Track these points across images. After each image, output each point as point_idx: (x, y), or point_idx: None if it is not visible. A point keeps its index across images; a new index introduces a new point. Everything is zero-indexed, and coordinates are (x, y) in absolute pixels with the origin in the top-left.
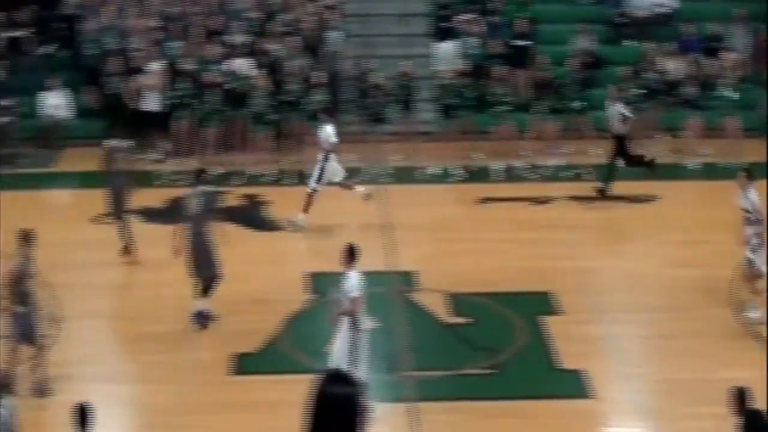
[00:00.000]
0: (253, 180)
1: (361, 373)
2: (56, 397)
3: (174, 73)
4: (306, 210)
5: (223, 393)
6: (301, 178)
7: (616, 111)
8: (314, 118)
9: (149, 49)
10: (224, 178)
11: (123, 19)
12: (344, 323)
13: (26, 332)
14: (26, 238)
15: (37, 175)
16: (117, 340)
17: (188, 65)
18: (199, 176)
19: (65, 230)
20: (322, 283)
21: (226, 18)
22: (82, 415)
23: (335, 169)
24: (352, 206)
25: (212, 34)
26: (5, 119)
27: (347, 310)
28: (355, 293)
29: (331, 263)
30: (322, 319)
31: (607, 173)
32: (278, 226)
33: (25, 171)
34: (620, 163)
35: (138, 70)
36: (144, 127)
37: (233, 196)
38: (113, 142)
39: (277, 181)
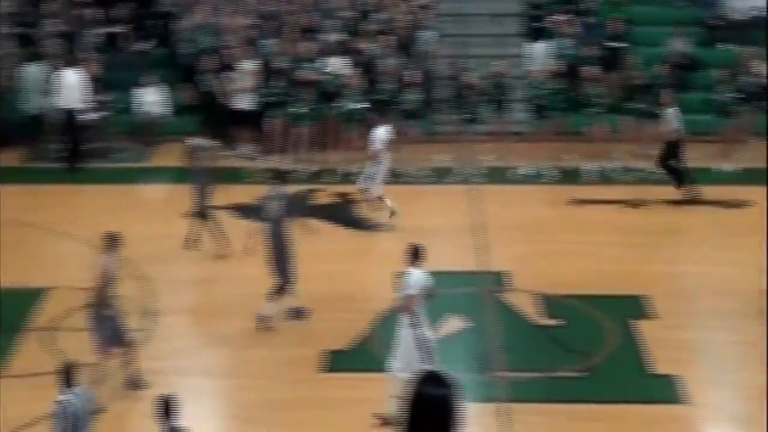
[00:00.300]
0: (346, 178)
1: (399, 370)
2: (151, 390)
3: (268, 71)
4: (387, 212)
5: (313, 390)
6: (395, 176)
7: (671, 116)
8: (409, 116)
9: (242, 48)
10: (317, 176)
11: (218, 18)
12: (405, 321)
13: (113, 335)
14: (112, 241)
15: (131, 170)
16: (209, 334)
17: (282, 63)
18: (279, 177)
19: (158, 225)
20: None
21: (321, 16)
22: (166, 406)
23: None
24: (445, 205)
25: (306, 33)
26: (101, 114)
27: (403, 308)
28: (412, 291)
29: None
30: None
31: (682, 177)
32: (370, 225)
33: (120, 165)
34: (677, 165)
35: (231, 69)
36: (237, 124)
37: (325, 194)
38: (196, 140)
39: None
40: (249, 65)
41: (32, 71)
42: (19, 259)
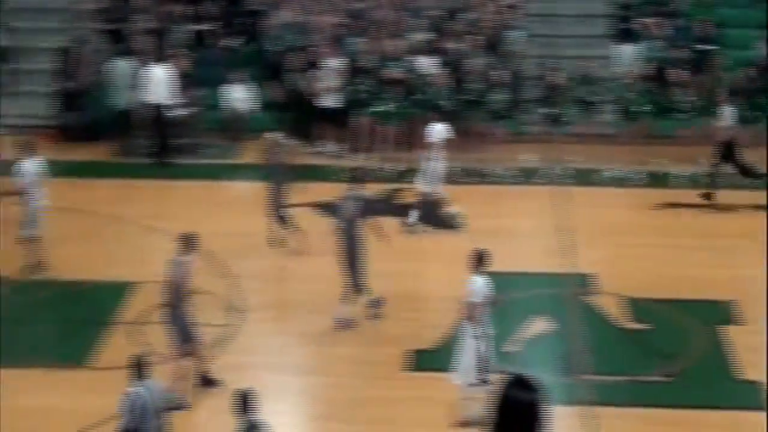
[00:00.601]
0: None
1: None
2: (228, 386)
3: (354, 69)
4: (445, 209)
5: (397, 389)
6: (481, 176)
7: (726, 115)
8: (497, 117)
9: (328, 46)
10: (403, 175)
11: (306, 16)
12: (468, 328)
13: (185, 333)
14: (188, 242)
15: (218, 166)
16: (293, 331)
17: (369, 62)
18: (355, 178)
19: (244, 221)
20: (501, 282)
21: (409, 15)
22: (244, 401)
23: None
24: (531, 206)
25: (394, 32)
26: (189, 110)
27: (468, 315)
28: (475, 299)
29: (508, 263)
30: (500, 318)
31: (713, 179)
32: (457, 224)
33: (208, 161)
34: (729, 169)
35: (317, 67)
36: (322, 122)
37: (411, 194)
38: (274, 136)
39: (456, 179)
40: (335, 63)
41: (121, 67)
42: (108, 253)
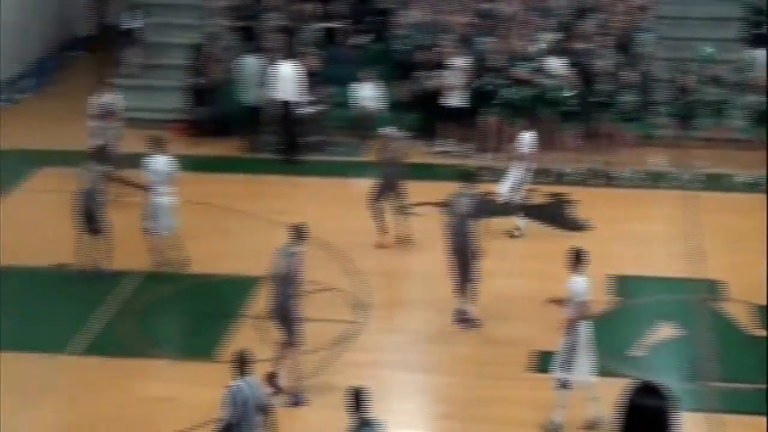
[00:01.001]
0: (560, 178)
1: (578, 376)
2: (359, 382)
3: (482, 69)
4: (511, 214)
5: (520, 389)
6: (609, 179)
7: None
8: (626, 119)
9: (454, 45)
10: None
11: (434, 15)
12: (576, 329)
13: (292, 326)
14: (299, 233)
15: (346, 164)
16: (417, 329)
17: (498, 62)
18: (468, 177)
19: (370, 219)
20: (627, 286)
21: (539, 15)
22: (357, 398)
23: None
24: (659, 210)
25: (523, 31)
26: (317, 108)
27: (575, 316)
28: (581, 298)
29: (636, 267)
30: (625, 322)
31: None
32: (583, 226)
33: (335, 159)
34: None
35: (443, 66)
36: (448, 121)
37: (539, 194)
38: (389, 132)
39: (583, 181)
40: (461, 63)
41: (250, 63)
42: (236, 248)
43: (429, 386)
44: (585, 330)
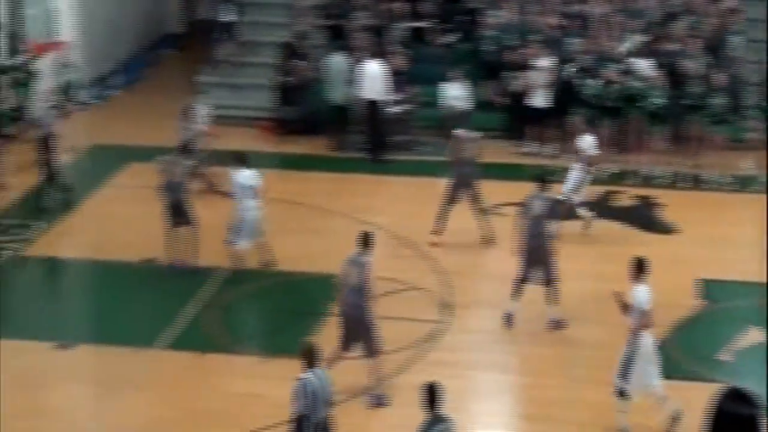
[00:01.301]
0: (647, 181)
1: (638, 386)
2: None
3: (575, 70)
4: (567, 218)
5: (599, 392)
6: (696, 182)
7: None
8: (715, 122)
9: (540, 45)
10: (618, 177)
11: (523, 15)
12: (639, 338)
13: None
14: (366, 241)
15: (432, 163)
16: (501, 329)
17: (586, 62)
18: (542, 179)
19: (456, 218)
20: (714, 290)
21: (627, 16)
22: (431, 394)
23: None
24: (748, 215)
25: (612, 32)
26: (404, 107)
27: (639, 325)
28: (643, 307)
29: (723, 271)
30: (713, 327)
31: None
32: (670, 229)
33: (422, 158)
34: None
35: (529, 66)
36: (533, 122)
37: (626, 196)
38: (462, 132)
39: (671, 184)
40: (546, 63)
41: (337, 62)
42: (322, 246)
43: (510, 387)
44: (647, 340)
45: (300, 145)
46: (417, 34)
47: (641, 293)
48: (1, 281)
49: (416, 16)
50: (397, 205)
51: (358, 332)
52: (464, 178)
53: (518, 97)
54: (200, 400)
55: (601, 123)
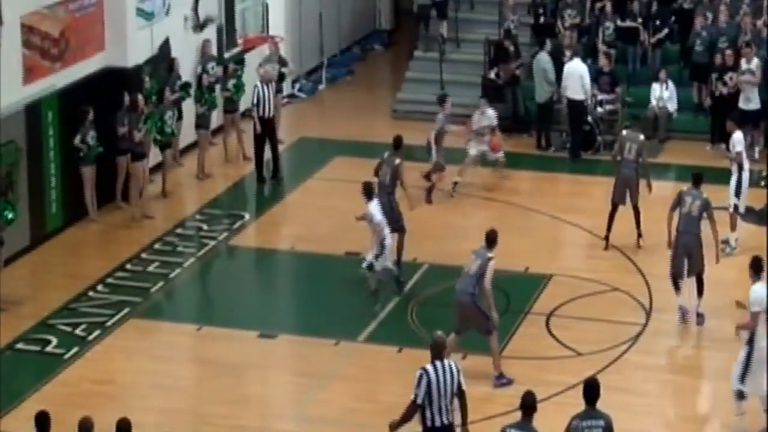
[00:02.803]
0: None
1: (749, 388)
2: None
3: None
4: (733, 228)
5: None
6: None
7: None
8: None
9: (749, 47)
10: None
11: (734, 17)
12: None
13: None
14: (491, 240)
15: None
16: (699, 334)
17: None
18: (698, 177)
19: (653, 220)
20: None
21: None
22: (589, 391)
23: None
24: None
25: None
26: (611, 107)
27: (746, 325)
28: (756, 308)
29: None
30: None
31: None
32: None
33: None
34: None
35: (736, 68)
36: (745, 125)
37: None
38: (625, 132)
39: None
40: (755, 65)
41: (544, 60)
42: (524, 245)
43: (706, 391)
44: (763, 343)
45: (506, 143)
46: (626, 34)
47: (756, 293)
48: (208, 270)
49: (625, 15)
50: (596, 205)
51: (469, 317)
52: (626, 180)
53: (729, 99)
54: (396, 395)
55: None
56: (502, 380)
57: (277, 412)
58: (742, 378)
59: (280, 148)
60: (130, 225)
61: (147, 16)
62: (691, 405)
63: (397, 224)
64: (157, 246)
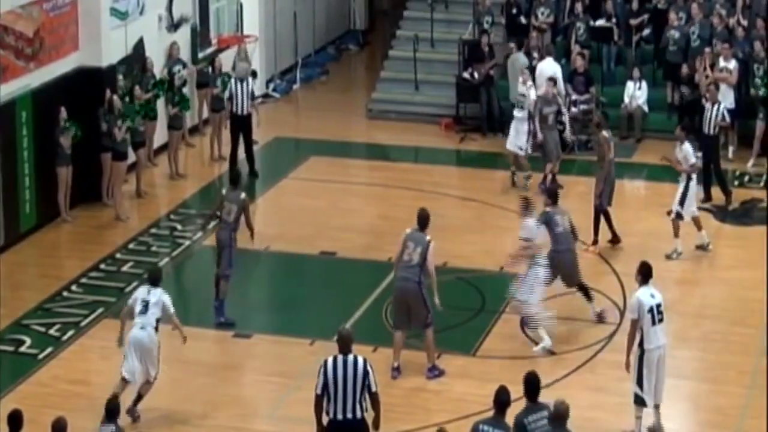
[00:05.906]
0: None
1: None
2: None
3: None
4: (676, 235)
5: None
6: None
7: None
8: None
9: (726, 47)
10: None
11: (708, 17)
12: None
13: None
14: (423, 221)
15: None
16: (686, 336)
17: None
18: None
19: (634, 220)
20: None
21: None
22: (530, 384)
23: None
24: None
25: None
26: (586, 107)
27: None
28: (632, 315)
29: None
30: None
31: None
32: None
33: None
34: None
35: (712, 69)
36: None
37: None
38: (611, 134)
39: None
40: (732, 64)
41: (519, 60)
42: (500, 244)
43: (694, 393)
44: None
45: (481, 143)
46: (600, 34)
47: (633, 299)
48: (182, 270)
49: (597, 14)
50: (574, 205)
51: (411, 308)
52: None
53: (698, 98)
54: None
55: None
56: (434, 372)
57: (253, 412)
58: (639, 382)
59: (255, 148)
60: (105, 225)
61: (121, 15)
62: (665, 403)
63: None
64: (131, 246)
